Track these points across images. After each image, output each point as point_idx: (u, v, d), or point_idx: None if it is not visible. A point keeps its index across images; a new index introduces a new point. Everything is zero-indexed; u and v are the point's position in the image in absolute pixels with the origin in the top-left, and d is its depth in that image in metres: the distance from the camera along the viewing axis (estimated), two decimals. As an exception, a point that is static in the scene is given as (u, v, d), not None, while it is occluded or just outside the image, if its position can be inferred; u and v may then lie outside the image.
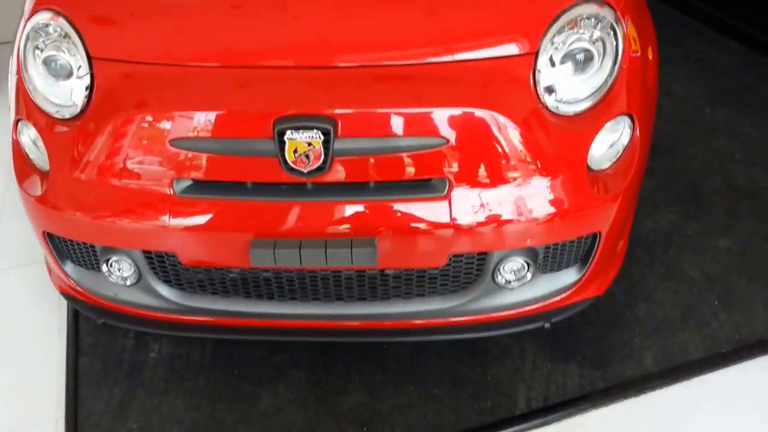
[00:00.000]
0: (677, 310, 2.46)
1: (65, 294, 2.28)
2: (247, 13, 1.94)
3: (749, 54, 3.89)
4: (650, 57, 2.13)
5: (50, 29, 1.95)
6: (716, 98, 3.54)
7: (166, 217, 1.86)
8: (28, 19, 2.00)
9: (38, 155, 2.01)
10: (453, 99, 1.82)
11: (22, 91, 2.01)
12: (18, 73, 2.02)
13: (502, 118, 1.80)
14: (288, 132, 1.75)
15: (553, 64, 1.87)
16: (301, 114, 1.77)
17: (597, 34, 1.89)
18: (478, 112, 1.80)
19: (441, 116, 1.80)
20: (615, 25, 1.90)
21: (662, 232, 2.77)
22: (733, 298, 2.50)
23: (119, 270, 2.05)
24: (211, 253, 1.97)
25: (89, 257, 2.08)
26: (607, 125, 1.93)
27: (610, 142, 1.97)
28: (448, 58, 1.85)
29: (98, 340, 2.39)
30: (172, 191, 1.85)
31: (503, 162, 1.83)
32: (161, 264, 2.02)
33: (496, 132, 1.81)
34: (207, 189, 1.86)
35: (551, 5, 1.90)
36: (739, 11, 3.94)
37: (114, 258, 2.02)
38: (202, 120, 1.81)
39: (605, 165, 1.97)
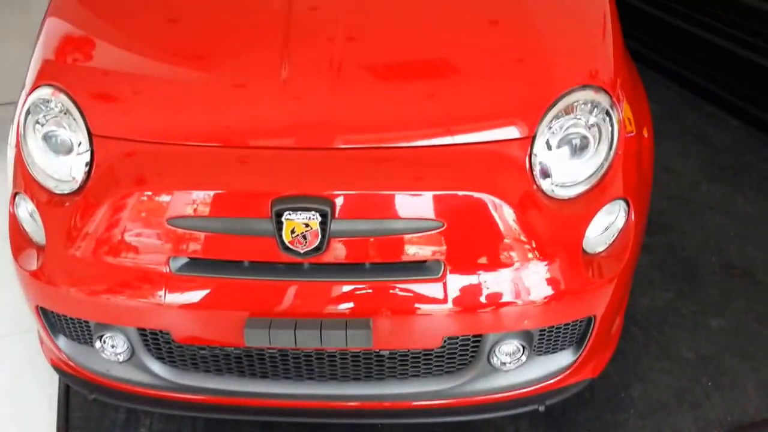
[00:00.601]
0: (671, 391, 2.44)
1: (57, 368, 2.25)
2: (249, 93, 1.97)
3: (748, 130, 3.94)
4: (645, 136, 2.16)
5: (51, 105, 1.97)
6: (713, 174, 3.56)
7: (161, 295, 1.85)
8: (30, 93, 2.03)
9: (35, 229, 2.01)
10: (450, 182, 1.83)
11: (20, 165, 2.02)
12: (17, 146, 2.04)
13: (498, 202, 1.81)
14: (286, 213, 1.75)
15: (549, 148, 1.89)
16: (299, 195, 1.78)
17: (593, 119, 1.92)
18: (475, 196, 1.81)
19: (438, 199, 1.81)
20: (610, 111, 1.93)
21: (657, 310, 2.77)
22: (726, 379, 2.49)
23: (112, 346, 2.04)
24: (205, 331, 1.95)
25: (83, 333, 2.07)
26: (603, 209, 1.94)
27: (605, 225, 1.97)
28: (445, 141, 1.87)
29: (89, 415, 2.36)
30: (168, 269, 1.84)
31: (499, 245, 1.83)
32: (155, 341, 2.01)
33: (492, 215, 1.81)
34: (203, 267, 1.85)
35: (549, 90, 1.93)
36: (738, 88, 3.99)
37: (108, 334, 2.01)
38: (201, 199, 1.81)
39: (600, 248, 1.97)
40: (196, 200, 1.81)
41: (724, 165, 3.63)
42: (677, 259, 3.02)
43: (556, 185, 1.89)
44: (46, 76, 2.03)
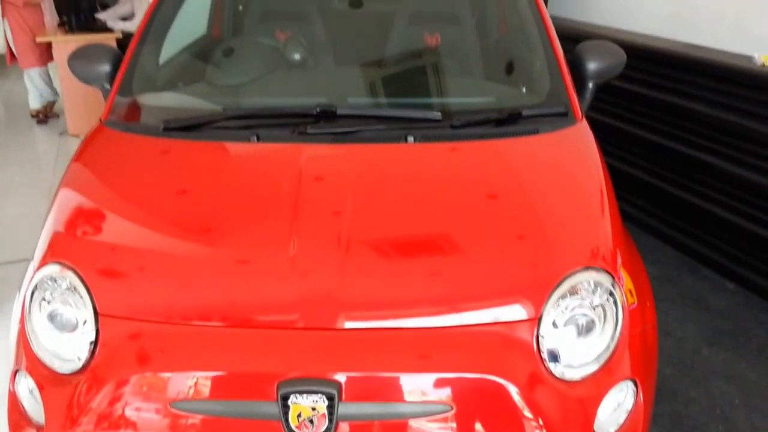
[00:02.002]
0: None
1: None
2: (256, 271, 1.97)
3: (744, 294, 3.95)
4: (647, 306, 2.16)
5: (59, 282, 1.97)
6: (713, 339, 3.55)
7: (162, 481, 1.80)
8: (38, 269, 2.03)
9: (35, 407, 1.97)
10: (457, 364, 1.82)
11: (23, 342, 2.00)
12: (21, 322, 2.03)
13: (506, 384, 1.79)
14: (292, 396, 1.73)
15: (556, 329, 1.89)
16: (305, 377, 1.76)
17: (597, 300, 1.93)
18: (483, 378, 1.79)
19: (445, 382, 1.79)
20: (613, 291, 1.95)
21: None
22: None
23: None
24: None
25: None
26: (612, 390, 1.92)
27: (615, 405, 1.95)
28: (452, 322, 1.87)
29: None
30: (171, 454, 1.79)
31: (510, 429, 1.80)
32: None
33: (500, 398, 1.79)
34: (207, 451, 1.80)
35: (553, 271, 1.95)
36: (733, 253, 4.04)
37: None
38: (206, 382, 1.79)
39: (612, 429, 1.94)
40: (201, 382, 1.79)
41: (724, 330, 3.62)
42: (684, 428, 2.96)
43: (564, 366, 1.88)
44: (55, 252, 2.05)
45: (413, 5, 3.28)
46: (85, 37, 6.87)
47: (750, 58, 3.98)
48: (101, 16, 7.46)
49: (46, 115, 7.62)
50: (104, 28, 7.18)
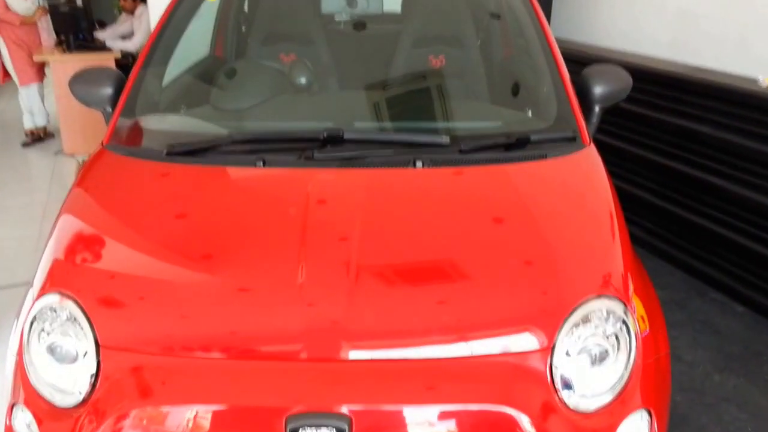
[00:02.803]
0: None
1: None
2: (260, 300, 1.92)
3: (754, 317, 3.90)
4: (659, 332, 2.11)
5: (58, 313, 1.91)
6: (724, 364, 3.49)
7: None
8: (37, 298, 1.97)
9: None
10: (469, 396, 1.76)
11: (21, 374, 1.94)
12: (19, 354, 1.96)
13: (520, 415, 1.73)
14: (301, 430, 1.66)
15: (569, 358, 1.83)
16: (315, 411, 1.69)
17: (610, 329, 1.89)
18: (496, 409, 1.73)
19: (457, 413, 1.74)
20: (626, 320, 1.91)
21: None
22: None
23: None
24: None
25: None
26: (626, 420, 1.87)
27: None
28: (463, 353, 1.82)
29: None
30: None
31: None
32: None
33: (514, 429, 1.73)
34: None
35: (565, 300, 1.90)
36: (742, 276, 3.99)
37: None
38: (210, 416, 1.72)
39: None
40: (205, 416, 1.72)
41: (734, 354, 3.56)
42: (696, 457, 2.90)
43: (578, 396, 1.83)
44: (55, 281, 1.99)
45: (417, 27, 3.25)
46: (83, 56, 6.87)
47: (755, 81, 3.96)
48: (100, 35, 7.43)
49: (39, 136, 7.54)
50: (102, 48, 7.16)
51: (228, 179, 2.35)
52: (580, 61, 3.85)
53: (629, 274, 2.06)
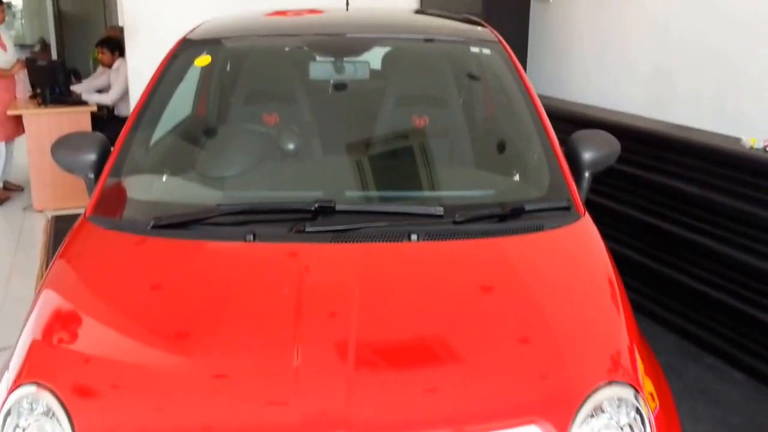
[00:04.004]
0: None
1: None
2: (253, 388, 1.78)
3: (754, 386, 3.78)
4: (669, 408, 2.06)
5: (34, 406, 1.77)
6: (728, 438, 3.38)
7: None
8: (11, 392, 1.82)
9: None
10: None
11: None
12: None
13: None
14: None
15: None
16: None
17: (623, 419, 1.80)
18: None
19: None
20: (638, 405, 1.83)
21: None
22: None
23: None
24: None
25: None
26: None
27: None
28: None
29: None
30: None
31: None
32: None
33: None
34: None
35: (575, 389, 1.82)
36: (739, 341, 3.90)
37: None
38: None
39: None
40: None
41: (737, 426, 3.44)
42: None
43: None
44: (32, 370, 1.85)
45: (399, 86, 3.21)
46: (59, 110, 6.76)
47: (738, 140, 3.95)
48: (76, 88, 7.33)
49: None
50: (78, 101, 7.03)
51: (217, 255, 2.24)
52: (553, 116, 3.82)
53: (637, 354, 1.99)
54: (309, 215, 2.31)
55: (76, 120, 6.70)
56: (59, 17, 13.07)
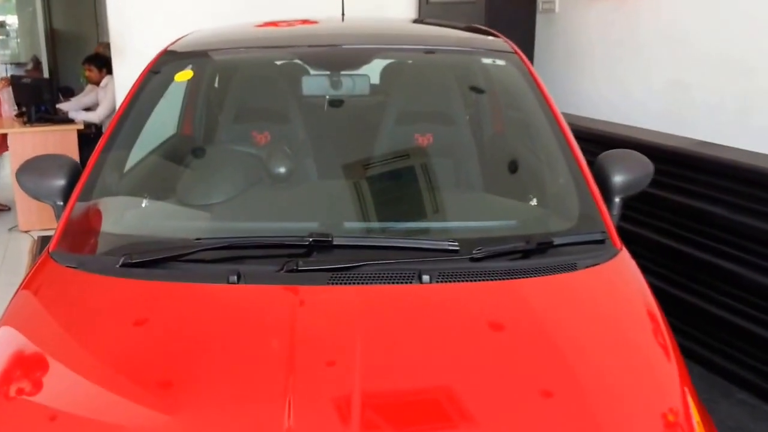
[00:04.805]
0: None
1: None
2: None
3: (758, 405, 3.54)
4: None
5: None
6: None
7: None
8: None
9: None
10: None
11: None
12: None
13: None
14: None
15: None
16: None
17: None
18: None
19: None
20: None
21: None
22: None
23: None
24: None
25: None
26: None
27: None
28: None
29: None
30: None
31: None
32: None
33: None
34: None
35: None
36: (744, 361, 3.66)
37: None
38: None
39: None
40: None
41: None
42: None
43: None
44: None
45: (400, 102, 2.90)
46: (44, 128, 6.53)
47: (768, 157, 3.66)
48: (62, 106, 7.08)
49: None
50: (65, 120, 6.79)
51: (194, 299, 1.93)
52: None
53: (693, 411, 1.71)
54: (302, 251, 2.01)
55: (62, 139, 6.50)
56: (52, 35, 12.83)
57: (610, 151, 2.57)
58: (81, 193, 2.27)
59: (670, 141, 4.31)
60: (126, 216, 2.37)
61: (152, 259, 1.97)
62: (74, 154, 6.42)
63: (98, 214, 2.29)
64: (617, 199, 2.40)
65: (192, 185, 2.54)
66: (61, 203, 2.31)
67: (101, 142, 2.42)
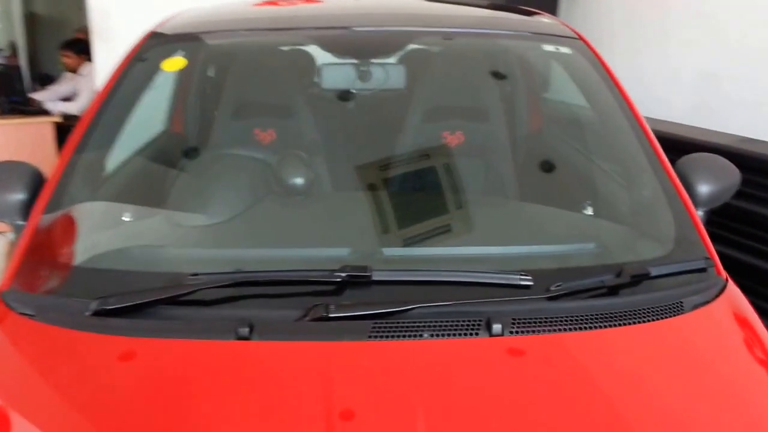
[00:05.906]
0: None
1: None
2: None
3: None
4: None
5: None
6: None
7: None
8: None
9: None
10: None
11: None
12: None
13: None
14: None
15: None
16: None
17: None
18: None
19: None
20: None
21: None
22: None
23: None
24: None
25: None
26: None
27: None
28: None
29: None
30: None
31: None
32: None
33: None
34: None
35: None
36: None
37: None
38: None
39: None
40: None
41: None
42: None
43: None
44: None
45: (442, 102, 2.38)
46: (15, 120, 6.02)
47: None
48: (37, 95, 6.51)
49: None
50: (41, 111, 6.25)
51: (194, 366, 1.42)
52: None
53: None
54: (332, 288, 1.53)
55: (37, 132, 6.02)
56: (31, 19, 12.22)
57: (692, 155, 2.14)
58: (44, 211, 1.78)
59: (704, 136, 3.91)
60: (100, 242, 1.83)
61: (134, 304, 1.48)
62: (51, 149, 5.95)
63: (65, 239, 1.78)
64: (701, 213, 1.97)
65: (185, 200, 2.03)
66: (22, 222, 1.82)
67: (69, 145, 1.93)
